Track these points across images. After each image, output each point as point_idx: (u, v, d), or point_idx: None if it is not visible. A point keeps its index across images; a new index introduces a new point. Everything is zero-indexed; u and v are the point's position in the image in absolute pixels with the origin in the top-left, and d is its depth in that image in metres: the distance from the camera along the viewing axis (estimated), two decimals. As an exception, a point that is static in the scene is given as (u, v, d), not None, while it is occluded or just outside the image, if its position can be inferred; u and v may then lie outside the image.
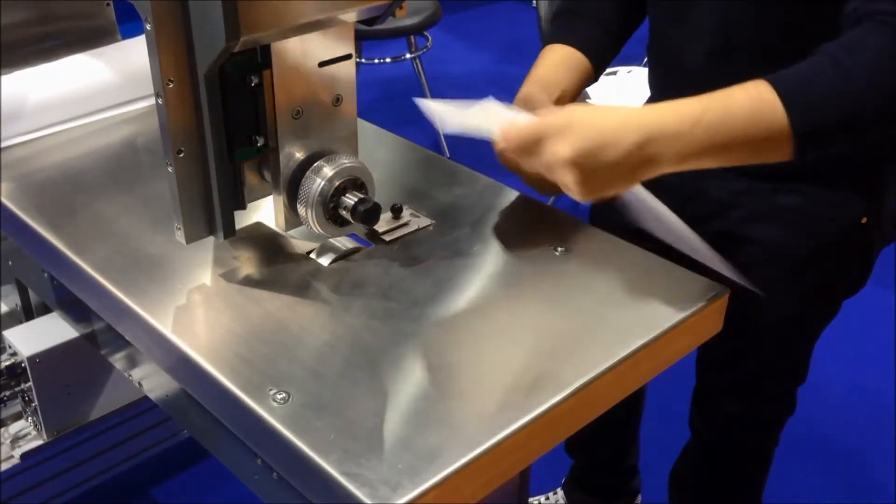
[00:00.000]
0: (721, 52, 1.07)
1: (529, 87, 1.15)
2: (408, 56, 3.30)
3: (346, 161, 0.97)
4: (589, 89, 2.49)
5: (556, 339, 0.91)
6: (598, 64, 1.21)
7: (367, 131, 1.30)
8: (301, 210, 0.98)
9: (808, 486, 1.93)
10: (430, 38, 3.38)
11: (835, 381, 2.18)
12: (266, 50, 0.91)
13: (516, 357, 0.89)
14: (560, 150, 0.90)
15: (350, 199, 0.97)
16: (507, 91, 1.21)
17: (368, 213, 0.97)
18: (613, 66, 2.58)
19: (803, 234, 1.14)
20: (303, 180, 0.97)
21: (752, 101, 0.88)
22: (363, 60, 3.36)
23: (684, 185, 1.08)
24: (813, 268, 1.16)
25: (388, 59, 3.39)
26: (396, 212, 1.09)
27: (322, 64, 0.95)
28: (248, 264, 1.03)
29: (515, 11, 4.67)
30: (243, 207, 1.00)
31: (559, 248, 1.05)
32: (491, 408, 0.82)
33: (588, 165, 0.90)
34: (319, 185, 0.96)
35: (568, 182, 0.92)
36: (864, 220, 1.13)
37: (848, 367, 2.24)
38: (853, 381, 2.22)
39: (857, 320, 2.32)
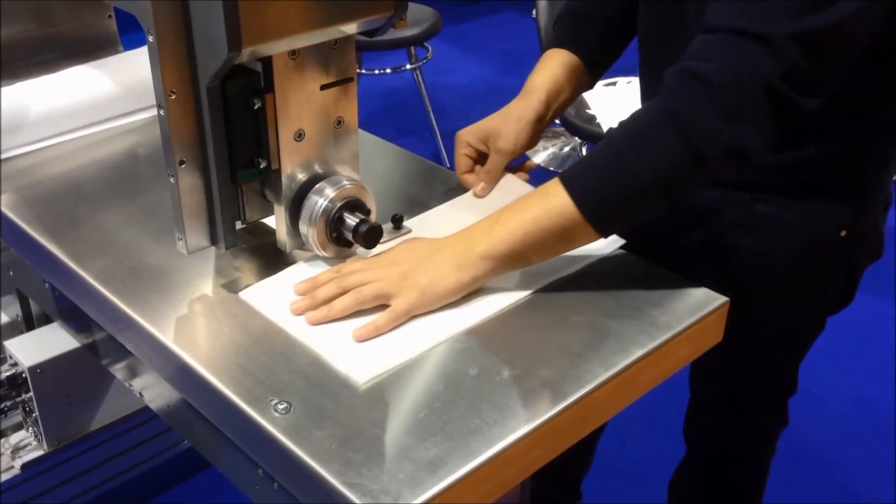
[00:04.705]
0: None
1: (520, 103, 1.17)
2: (408, 67, 3.30)
3: (347, 182, 0.98)
4: (589, 100, 2.50)
5: (557, 349, 0.91)
6: (596, 70, 1.22)
7: (368, 142, 1.30)
8: (303, 230, 0.98)
9: (807, 496, 1.93)
10: (430, 49, 3.39)
11: (835, 391, 2.17)
12: (268, 73, 0.91)
13: (517, 367, 0.89)
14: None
15: (351, 220, 0.98)
16: (506, 101, 1.21)
17: (369, 234, 0.97)
18: (613, 76, 2.59)
19: (782, 244, 1.13)
20: (305, 201, 0.97)
21: (540, 196, 0.95)
22: (363, 71, 3.37)
23: None
24: (794, 278, 1.16)
25: (388, 70, 3.40)
26: (397, 222, 1.09)
27: (324, 87, 0.96)
28: (249, 274, 1.03)
29: (515, 22, 4.68)
30: (245, 221, 1.00)
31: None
32: (492, 418, 0.82)
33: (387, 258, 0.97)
34: (321, 206, 0.96)
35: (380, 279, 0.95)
36: (843, 234, 1.12)
37: (848, 377, 2.23)
38: (853, 391, 2.22)
39: (856, 330, 2.32)
